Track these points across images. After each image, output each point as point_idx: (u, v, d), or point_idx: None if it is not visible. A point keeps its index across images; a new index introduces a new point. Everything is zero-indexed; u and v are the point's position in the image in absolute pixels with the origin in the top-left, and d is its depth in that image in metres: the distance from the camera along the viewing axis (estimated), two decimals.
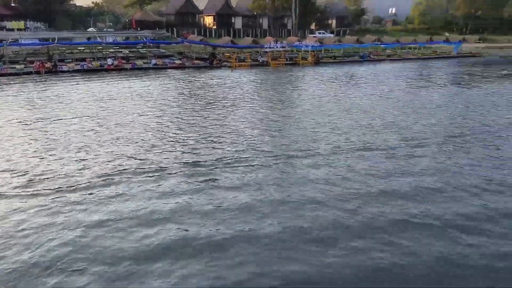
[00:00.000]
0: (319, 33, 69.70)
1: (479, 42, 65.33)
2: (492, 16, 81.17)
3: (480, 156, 13.36)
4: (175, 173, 11.73)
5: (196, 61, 44.53)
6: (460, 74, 37.63)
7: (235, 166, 12.24)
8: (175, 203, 9.84)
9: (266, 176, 11.50)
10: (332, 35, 69.20)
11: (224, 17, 73.33)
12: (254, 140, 15.11)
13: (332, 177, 11.43)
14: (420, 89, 28.44)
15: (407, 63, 47.70)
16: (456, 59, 52.64)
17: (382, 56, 52.63)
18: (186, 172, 11.86)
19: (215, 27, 72.43)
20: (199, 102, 23.06)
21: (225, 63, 44.17)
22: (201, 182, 11.12)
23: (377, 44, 56.35)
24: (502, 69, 40.24)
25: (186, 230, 8.56)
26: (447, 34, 73.94)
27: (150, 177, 11.44)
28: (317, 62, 46.90)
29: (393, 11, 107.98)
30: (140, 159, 12.91)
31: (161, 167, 12.22)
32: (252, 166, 12.32)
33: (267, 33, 70.45)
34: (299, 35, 67.76)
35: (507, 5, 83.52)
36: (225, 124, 17.62)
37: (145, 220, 8.98)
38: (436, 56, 55.50)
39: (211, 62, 43.48)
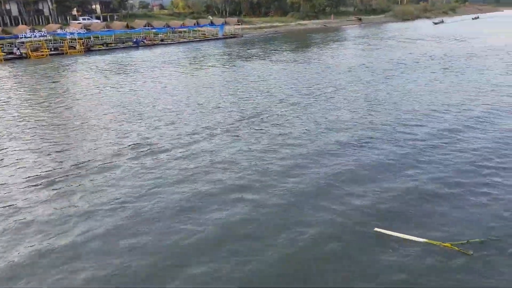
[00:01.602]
0: (84, 19, 64.04)
1: (239, 24, 72.52)
2: (244, 0, 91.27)
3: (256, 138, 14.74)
4: None
5: None
6: (228, 54, 40.96)
7: None
8: None
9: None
10: (99, 21, 64.65)
11: None
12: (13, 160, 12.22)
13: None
14: (196, 71, 29.64)
15: (180, 47, 49.04)
16: (222, 40, 57.19)
17: (155, 41, 52.44)
18: None
19: None
20: None
21: None
22: None
23: (149, 29, 55.83)
24: (249, 49, 45.90)
25: None
26: (210, 17, 79.23)
27: None
28: (88, 50, 43.28)
29: None
30: None
31: None
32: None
33: (19, 21, 60.45)
34: (60, 22, 60.77)
35: None
36: None
37: None
38: (205, 38, 58.92)
39: None
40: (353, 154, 11.82)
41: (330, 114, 16.26)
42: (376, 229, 7.66)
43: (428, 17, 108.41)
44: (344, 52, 39.11)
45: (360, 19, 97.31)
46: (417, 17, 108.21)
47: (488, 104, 17.42)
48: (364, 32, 67.26)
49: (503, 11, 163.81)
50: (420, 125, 14.33)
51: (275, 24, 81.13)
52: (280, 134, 13.79)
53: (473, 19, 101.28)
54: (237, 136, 13.64)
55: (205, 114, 16.76)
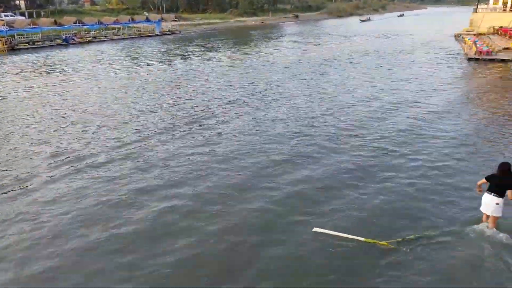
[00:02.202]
0: (6, 16, 59.25)
1: (176, 21, 70.91)
2: None
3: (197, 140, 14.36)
4: None
5: None
6: (165, 51, 39.82)
7: None
8: None
9: None
10: (23, 18, 60.18)
11: None
12: None
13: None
14: (130, 69, 28.44)
15: (114, 44, 46.91)
16: (158, 37, 55.56)
17: (87, 38, 49.77)
18: None
19: None
20: None
21: None
22: None
23: (79, 25, 52.91)
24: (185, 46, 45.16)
25: None
26: (146, 13, 76.76)
27: None
28: (12, 49, 40.09)
29: None
30: None
31: None
32: None
33: None
34: None
35: None
36: None
37: None
38: (141, 35, 56.93)
39: None
40: (293, 155, 11.80)
41: (270, 114, 16.22)
42: (315, 229, 7.65)
43: (360, 14, 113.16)
44: (283, 49, 39.57)
45: (297, 16, 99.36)
46: (351, 14, 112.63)
47: (423, 102, 18.34)
48: (301, 29, 68.69)
49: (426, 8, 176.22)
50: (361, 125, 14.60)
51: (213, 21, 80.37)
52: (220, 138, 13.46)
53: (398, 16, 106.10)
54: (173, 143, 13.01)
55: (138, 117, 15.91)
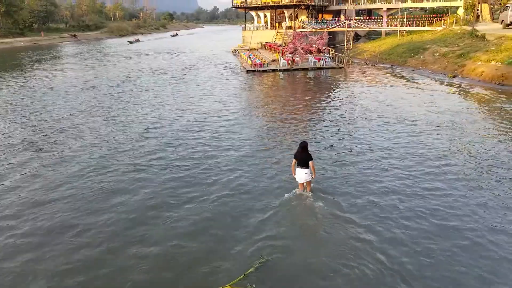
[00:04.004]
0: None
1: None
2: None
3: None
4: None
5: None
6: None
7: None
8: None
9: None
10: None
11: None
12: None
13: None
14: None
15: None
16: None
17: None
18: None
19: None
20: None
21: None
22: None
23: None
24: None
25: None
26: None
27: None
28: None
29: None
30: None
31: None
32: None
33: None
34: None
35: None
36: None
37: None
38: None
39: None
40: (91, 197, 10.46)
41: (65, 152, 14.07)
42: None
43: (142, 33, 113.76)
44: (64, 73, 35.79)
45: (75, 36, 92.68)
46: (133, 33, 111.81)
47: (219, 113, 19.12)
48: (82, 49, 64.16)
49: (204, 27, 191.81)
50: (173, 147, 14.12)
51: None
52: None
53: (172, 36, 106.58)
54: None
55: None
